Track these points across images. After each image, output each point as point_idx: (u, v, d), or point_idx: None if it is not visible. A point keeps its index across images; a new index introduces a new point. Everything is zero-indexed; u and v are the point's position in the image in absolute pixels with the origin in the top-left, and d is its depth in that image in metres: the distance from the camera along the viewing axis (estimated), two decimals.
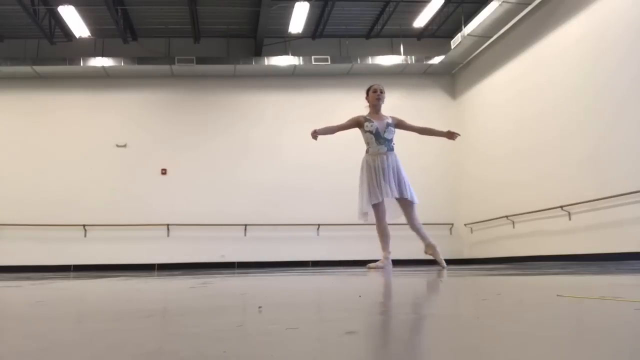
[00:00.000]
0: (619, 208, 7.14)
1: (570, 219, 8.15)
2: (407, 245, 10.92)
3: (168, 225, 11.11)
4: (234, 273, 6.00)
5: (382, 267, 5.26)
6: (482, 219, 10.65)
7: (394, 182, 5.24)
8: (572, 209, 8.09)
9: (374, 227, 5.44)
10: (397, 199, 5.28)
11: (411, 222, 5.33)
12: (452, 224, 11.70)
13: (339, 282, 3.31)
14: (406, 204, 5.30)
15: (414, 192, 5.33)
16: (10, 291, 2.96)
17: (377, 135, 5.32)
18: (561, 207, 8.22)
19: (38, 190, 11.04)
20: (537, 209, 8.82)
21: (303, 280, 3.60)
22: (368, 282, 3.15)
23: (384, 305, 1.68)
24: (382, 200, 5.24)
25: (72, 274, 7.88)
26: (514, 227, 9.69)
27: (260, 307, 1.54)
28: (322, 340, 0.93)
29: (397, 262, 5.79)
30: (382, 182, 5.21)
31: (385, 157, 5.30)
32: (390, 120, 5.43)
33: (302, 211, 11.18)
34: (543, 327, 1.02)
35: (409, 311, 1.46)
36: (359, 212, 5.41)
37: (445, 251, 11.26)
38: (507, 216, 9.73)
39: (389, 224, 5.41)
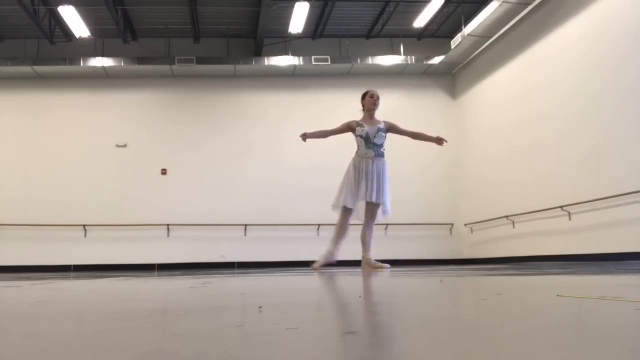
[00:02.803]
0: (619, 208, 7.14)
1: (570, 219, 8.15)
2: (405, 246, 10.98)
3: (168, 225, 11.11)
4: (234, 273, 6.00)
5: (322, 262, 5.43)
6: (482, 219, 10.65)
7: (374, 186, 5.33)
8: (572, 209, 8.09)
9: (374, 226, 5.54)
10: (368, 202, 5.39)
11: (367, 229, 5.45)
12: (452, 224, 11.70)
13: (339, 282, 3.31)
14: (373, 210, 5.42)
15: (389, 204, 5.45)
16: (10, 291, 2.96)
17: (367, 140, 5.44)
18: (561, 207, 8.22)
19: (38, 190, 11.04)
20: (537, 209, 8.82)
21: (303, 280, 3.60)
22: (368, 282, 3.15)
23: (384, 305, 1.69)
24: (353, 208, 5.40)
25: (72, 274, 7.88)
26: (514, 227, 9.69)
27: (260, 307, 1.54)
28: (322, 340, 0.93)
29: (396, 262, 5.81)
30: (361, 185, 5.33)
31: (371, 161, 5.41)
32: (382, 125, 5.54)
33: (302, 211, 11.17)
34: (543, 327, 1.02)
35: (409, 311, 1.46)
36: (333, 203, 5.56)
37: (445, 251, 11.41)
38: (507, 216, 9.73)
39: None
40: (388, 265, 5.56)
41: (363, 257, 5.48)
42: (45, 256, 10.59)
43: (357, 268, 5.93)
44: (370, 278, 3.61)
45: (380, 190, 5.35)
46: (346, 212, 5.44)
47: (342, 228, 5.49)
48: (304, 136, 5.42)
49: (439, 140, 5.67)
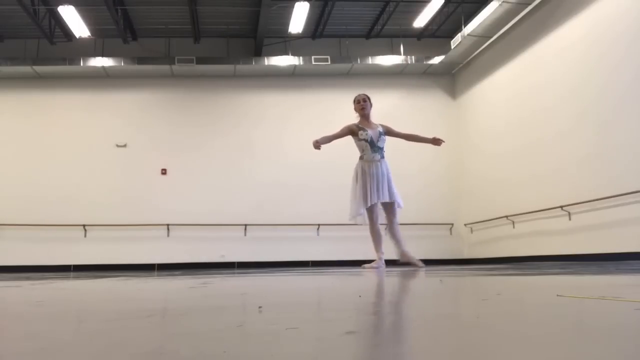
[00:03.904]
0: (619, 208, 7.14)
1: (570, 219, 8.15)
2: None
3: (168, 225, 11.11)
4: (234, 273, 6.00)
5: (376, 267, 5.49)
6: (482, 219, 10.65)
7: (386, 186, 5.54)
8: (572, 209, 8.09)
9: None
10: (384, 203, 5.59)
11: (393, 226, 5.67)
12: (452, 224, 11.70)
13: (339, 282, 3.31)
14: (392, 208, 5.62)
15: (400, 198, 5.66)
16: (10, 291, 2.96)
17: (372, 144, 5.57)
18: (561, 207, 8.22)
19: (38, 190, 11.04)
20: (537, 209, 8.82)
21: (303, 280, 3.60)
22: (368, 282, 3.15)
23: (384, 305, 1.69)
24: (376, 203, 5.52)
25: (72, 274, 7.88)
26: (514, 227, 9.69)
27: (260, 307, 1.54)
28: (322, 340, 0.93)
29: (396, 262, 5.85)
30: (377, 186, 5.49)
31: (379, 164, 5.57)
32: (381, 129, 5.70)
33: (302, 211, 11.18)
34: (543, 327, 1.02)
35: (409, 311, 1.46)
36: (350, 214, 5.65)
37: (445, 251, 11.42)
38: (507, 216, 9.73)
39: (383, 224, 5.70)
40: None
41: (401, 253, 5.64)
42: (45, 256, 10.59)
43: (357, 268, 5.94)
44: (369, 278, 3.61)
45: (392, 190, 5.56)
46: (372, 213, 5.52)
47: (375, 230, 5.59)
48: (317, 143, 5.47)
49: (435, 141, 5.81)
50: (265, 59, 11.38)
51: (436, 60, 11.47)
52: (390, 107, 11.28)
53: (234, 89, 11.82)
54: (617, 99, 7.28)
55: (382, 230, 5.78)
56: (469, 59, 11.27)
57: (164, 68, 11.32)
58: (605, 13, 7.58)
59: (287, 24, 10.75)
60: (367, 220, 5.59)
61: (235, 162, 11.52)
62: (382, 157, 5.59)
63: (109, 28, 10.87)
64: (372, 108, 5.80)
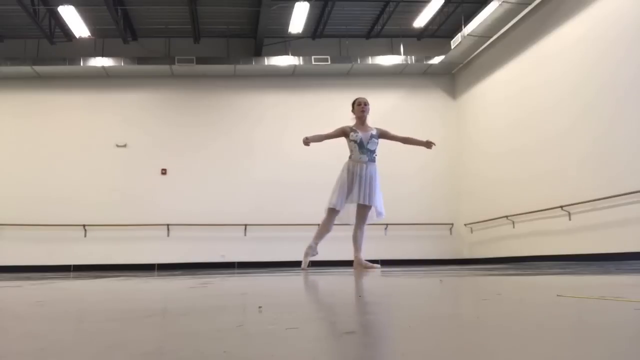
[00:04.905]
0: (619, 208, 7.14)
1: (570, 219, 8.15)
2: (405, 246, 10.98)
3: (168, 225, 11.11)
4: (233, 273, 6.01)
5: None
6: (482, 219, 10.65)
7: (367, 189, 5.54)
8: (572, 209, 8.09)
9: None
10: (360, 205, 5.60)
11: (359, 230, 5.68)
12: (452, 224, 11.70)
13: (338, 282, 3.32)
14: (365, 212, 5.63)
15: (382, 206, 5.67)
16: (10, 291, 2.96)
17: (361, 145, 5.62)
18: (561, 207, 8.22)
19: (38, 190, 11.03)
20: (537, 209, 8.82)
21: (303, 280, 3.61)
22: (367, 282, 3.15)
23: (384, 305, 1.69)
24: (342, 209, 5.60)
25: (72, 274, 7.88)
26: (514, 227, 9.69)
27: (260, 307, 1.54)
28: (322, 340, 0.93)
29: (396, 262, 5.87)
30: (353, 188, 5.52)
31: (365, 165, 5.59)
32: (374, 132, 5.74)
33: (302, 211, 11.16)
34: (543, 327, 1.02)
35: (409, 311, 1.46)
36: (326, 205, 5.67)
37: (445, 251, 11.41)
38: (507, 216, 9.73)
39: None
40: (379, 265, 5.87)
41: (355, 257, 5.70)
42: (45, 256, 10.58)
43: (348, 268, 5.95)
44: (369, 278, 3.61)
45: (372, 194, 5.57)
46: (333, 212, 5.62)
47: (326, 227, 5.71)
48: (306, 140, 5.59)
49: (428, 144, 5.88)
50: (265, 59, 11.38)
51: (436, 60, 11.47)
52: (390, 107, 11.29)
53: (234, 89, 11.81)
54: (617, 99, 7.28)
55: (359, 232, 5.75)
56: (469, 59, 11.27)
57: (164, 68, 11.32)
58: (605, 13, 7.58)
59: (287, 24, 10.75)
60: (349, 217, 5.66)
61: (235, 162, 11.52)
62: (371, 160, 5.61)
63: (109, 28, 10.86)
64: (370, 111, 5.85)
